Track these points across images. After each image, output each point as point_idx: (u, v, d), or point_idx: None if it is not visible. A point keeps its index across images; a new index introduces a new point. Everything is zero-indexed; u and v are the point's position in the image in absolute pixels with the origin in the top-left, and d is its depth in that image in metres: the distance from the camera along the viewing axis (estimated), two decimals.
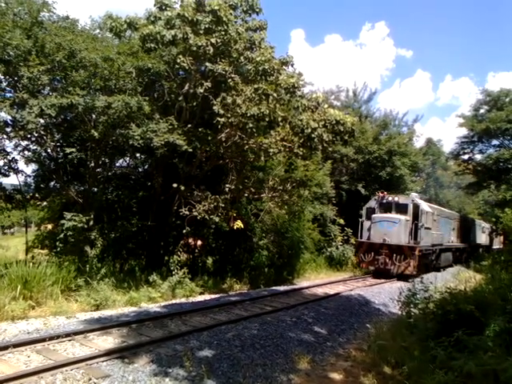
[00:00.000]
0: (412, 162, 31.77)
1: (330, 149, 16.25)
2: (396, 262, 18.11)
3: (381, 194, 20.20)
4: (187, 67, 13.59)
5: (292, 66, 15.08)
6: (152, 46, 13.33)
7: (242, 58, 14.02)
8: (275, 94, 13.55)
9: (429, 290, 9.65)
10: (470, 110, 35.00)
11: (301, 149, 14.64)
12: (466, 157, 36.32)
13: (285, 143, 14.56)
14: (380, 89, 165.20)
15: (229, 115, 13.18)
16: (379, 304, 13.54)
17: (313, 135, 13.66)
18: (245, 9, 14.77)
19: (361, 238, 20.07)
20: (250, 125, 13.20)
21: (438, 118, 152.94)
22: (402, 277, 18.08)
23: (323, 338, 9.19)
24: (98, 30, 14.83)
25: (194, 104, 14.56)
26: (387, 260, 18.41)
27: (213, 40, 13.10)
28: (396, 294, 10.95)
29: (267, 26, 15.18)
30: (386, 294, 14.64)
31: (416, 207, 19.42)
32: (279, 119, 13.67)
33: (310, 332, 9.41)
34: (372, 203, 20.55)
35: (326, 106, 14.67)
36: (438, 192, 38.83)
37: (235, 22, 14.21)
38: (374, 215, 19.62)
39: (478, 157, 35.43)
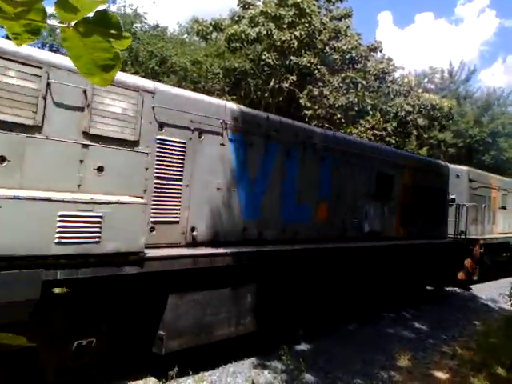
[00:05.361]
0: None
1: (426, 135, 15.42)
2: None
3: None
4: (272, 63, 13.66)
5: (381, 51, 14.56)
6: (237, 45, 13.60)
7: (327, 48, 13.79)
8: (364, 82, 13.15)
9: None
10: None
11: (393, 137, 14.06)
12: None
13: (375, 131, 14.07)
14: (479, 66, 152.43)
15: (316, 107, 13.05)
16: (487, 299, 12.55)
17: (407, 119, 13.08)
18: None
19: None
20: (338, 115, 12.98)
21: None
22: None
23: (425, 335, 8.73)
24: (185, 35, 15.47)
25: (280, 99, 14.62)
26: None
27: (297, 33, 13.02)
28: (507, 289, 10.09)
29: (352, 13, 14.76)
30: (494, 289, 13.54)
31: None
32: (368, 107, 13.26)
33: (410, 328, 9.00)
34: None
35: (419, 90, 13.95)
36: None
37: (319, 12, 13.99)
38: None
39: None
